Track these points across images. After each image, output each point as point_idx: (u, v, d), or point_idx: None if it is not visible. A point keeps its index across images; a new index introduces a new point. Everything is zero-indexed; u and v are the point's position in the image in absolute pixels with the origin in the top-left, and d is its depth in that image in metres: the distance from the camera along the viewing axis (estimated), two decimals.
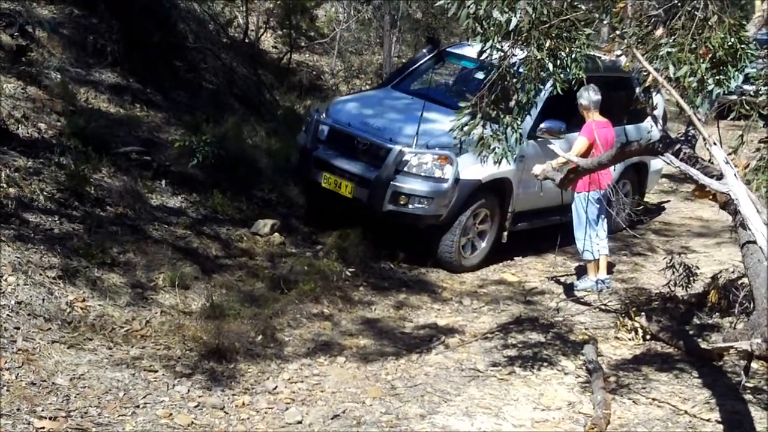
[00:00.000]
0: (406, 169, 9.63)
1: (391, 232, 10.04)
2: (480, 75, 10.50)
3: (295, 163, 10.64)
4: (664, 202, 13.57)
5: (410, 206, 9.59)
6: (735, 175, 4.90)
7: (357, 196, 9.77)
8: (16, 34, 10.31)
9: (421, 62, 11.60)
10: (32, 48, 10.41)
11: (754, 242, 5.11)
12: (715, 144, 5.07)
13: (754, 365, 7.24)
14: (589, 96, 9.26)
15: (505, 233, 10.26)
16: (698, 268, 9.11)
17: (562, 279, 10.09)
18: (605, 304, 9.24)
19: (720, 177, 5.25)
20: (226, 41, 14.59)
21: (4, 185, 7.86)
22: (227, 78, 13.56)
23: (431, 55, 11.55)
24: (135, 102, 11.17)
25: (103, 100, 10.72)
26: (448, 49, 11.79)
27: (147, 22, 11.90)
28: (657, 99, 10.55)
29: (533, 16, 5.56)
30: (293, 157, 10.71)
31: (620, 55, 6.58)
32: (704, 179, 5.23)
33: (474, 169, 9.49)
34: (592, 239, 9.55)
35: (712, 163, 5.71)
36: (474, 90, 10.39)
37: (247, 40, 14.85)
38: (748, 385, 7.21)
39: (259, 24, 15.07)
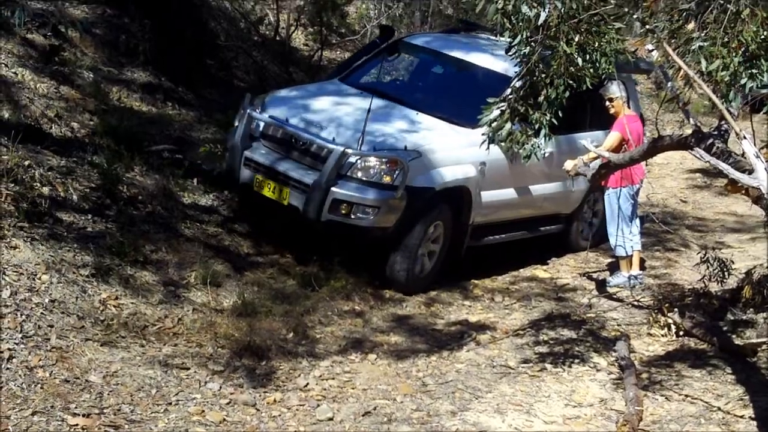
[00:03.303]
0: (349, 173, 8.42)
1: None
2: (438, 69, 10.17)
3: (224, 163, 9.33)
4: None
5: (353, 216, 8.39)
6: (766, 169, 4.85)
7: (293, 202, 8.56)
8: (49, 34, 10.40)
9: (372, 53, 10.49)
10: (65, 48, 10.49)
11: None
12: (745, 138, 5.02)
13: None
14: (620, 90, 9.21)
15: (463, 249, 9.25)
16: (732, 263, 9.03)
17: (595, 275, 10.05)
18: (638, 300, 9.20)
19: (751, 171, 5.20)
20: (257, 39, 14.62)
21: (38, 184, 7.90)
22: (258, 76, 13.59)
23: (384, 45, 10.49)
24: (167, 100, 11.23)
25: (136, 99, 10.78)
26: (403, 40, 10.86)
27: (179, 21, 11.96)
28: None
29: (562, 10, 5.54)
30: (223, 156, 9.46)
31: (652, 50, 6.54)
32: (735, 173, 5.19)
33: (428, 175, 8.59)
34: (625, 235, 9.50)
35: (745, 157, 5.65)
36: (433, 85, 10.12)
37: (278, 38, 14.86)
38: None
39: (290, 21, 15.07)
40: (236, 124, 9.26)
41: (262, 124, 9.05)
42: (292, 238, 9.13)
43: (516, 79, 5.98)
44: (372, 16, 16.80)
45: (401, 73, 10.93)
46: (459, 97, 9.59)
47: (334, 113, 9.07)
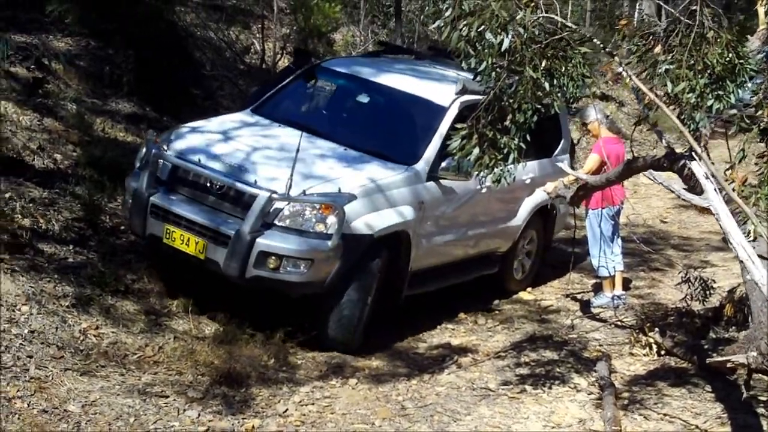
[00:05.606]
0: (277, 221, 7.50)
1: None
2: (364, 98, 9.12)
3: (126, 210, 8.34)
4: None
5: (282, 271, 7.48)
6: (715, 190, 4.92)
7: (211, 256, 7.59)
8: (32, 66, 10.47)
9: (288, 80, 9.56)
10: (49, 80, 10.55)
11: None
12: (695, 159, 5.09)
13: None
14: (597, 113, 9.29)
15: (401, 299, 8.50)
16: (714, 281, 9.07)
17: (578, 296, 10.10)
18: (621, 320, 9.26)
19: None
20: (243, 68, 14.71)
21: (19, 216, 7.98)
22: (244, 104, 13.64)
23: (300, 71, 9.61)
24: (151, 130, 11.26)
25: (120, 130, 10.83)
26: (322, 65, 9.92)
27: (163, 52, 12.04)
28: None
29: (525, 36, 5.60)
30: (124, 202, 8.45)
31: (619, 73, 6.61)
32: (685, 195, 5.27)
33: (364, 220, 7.75)
34: (607, 255, 9.58)
35: (715, 177, 5.72)
36: (360, 116, 9.23)
37: (264, 66, 14.96)
38: (761, 398, 7.20)
39: (276, 50, 15.17)
40: (138, 165, 8.32)
41: (170, 166, 8.04)
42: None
43: (482, 102, 5.96)
44: (358, 43, 16.91)
45: (321, 103, 9.58)
46: (390, 129, 9.01)
47: (253, 151, 8.14)
